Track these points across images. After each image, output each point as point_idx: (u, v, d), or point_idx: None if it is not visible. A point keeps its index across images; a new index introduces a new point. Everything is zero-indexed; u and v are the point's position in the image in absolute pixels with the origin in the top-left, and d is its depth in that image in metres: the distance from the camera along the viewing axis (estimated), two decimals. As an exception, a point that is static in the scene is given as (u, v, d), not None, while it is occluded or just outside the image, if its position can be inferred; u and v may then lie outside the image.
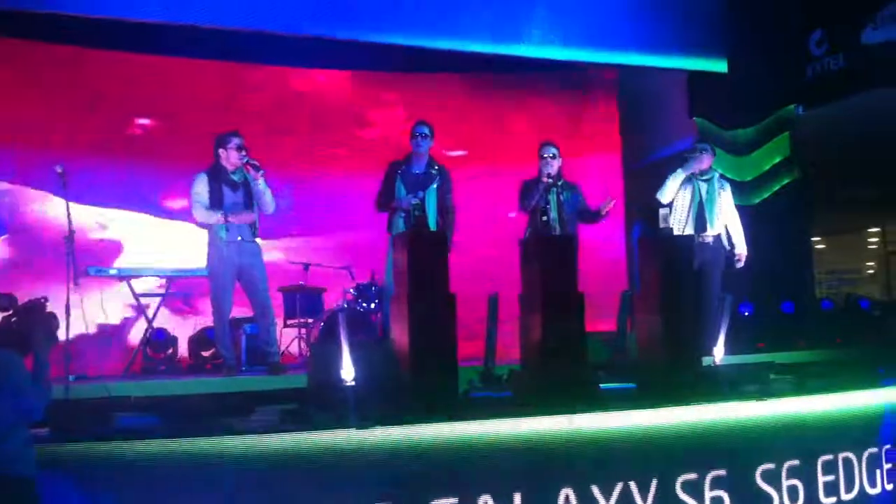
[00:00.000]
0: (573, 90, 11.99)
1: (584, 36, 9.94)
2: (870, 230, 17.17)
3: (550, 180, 7.86)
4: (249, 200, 7.43)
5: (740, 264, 8.48)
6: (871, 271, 17.79)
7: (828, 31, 10.55)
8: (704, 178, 8.40)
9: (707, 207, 8.32)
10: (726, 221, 8.47)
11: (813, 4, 10.85)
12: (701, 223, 8.31)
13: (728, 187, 8.60)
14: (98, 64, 9.70)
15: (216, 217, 7.27)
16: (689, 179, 8.38)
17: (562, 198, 7.90)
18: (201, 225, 7.46)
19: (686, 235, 7.96)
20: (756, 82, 10.82)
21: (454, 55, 9.65)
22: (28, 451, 3.73)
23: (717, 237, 8.39)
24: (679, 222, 8.25)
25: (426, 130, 7.69)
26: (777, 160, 11.00)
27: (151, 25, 8.26)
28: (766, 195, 10.93)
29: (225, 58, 10.13)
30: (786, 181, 10.93)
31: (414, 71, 11.08)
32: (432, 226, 7.45)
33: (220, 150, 7.41)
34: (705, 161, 8.41)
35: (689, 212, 8.30)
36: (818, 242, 15.21)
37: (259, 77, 10.64)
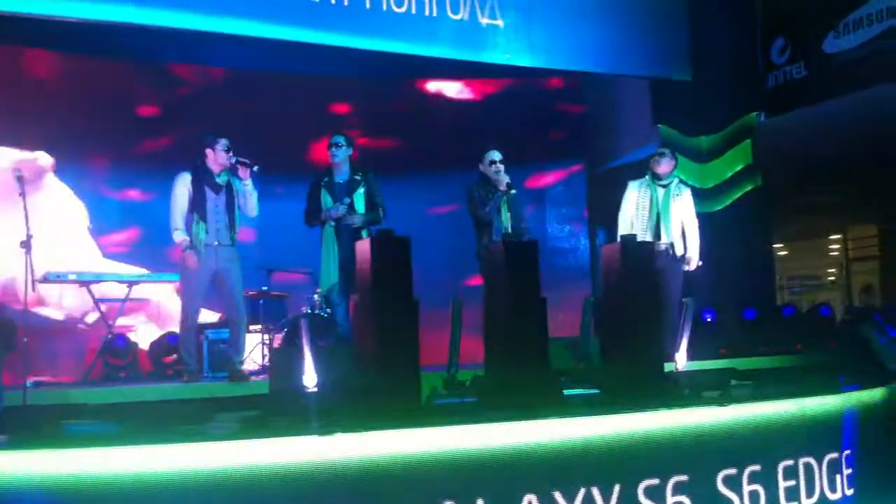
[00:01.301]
0: (537, 96, 12.00)
1: (548, 42, 9.95)
2: (831, 237, 17.34)
3: (505, 189, 7.88)
4: (231, 204, 7.39)
5: (689, 268, 8.49)
6: (832, 278, 17.96)
7: (790, 39, 10.66)
8: (662, 183, 8.41)
9: (662, 214, 8.32)
10: (683, 225, 8.44)
11: (775, 13, 10.95)
12: (657, 231, 8.33)
13: (686, 191, 8.58)
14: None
15: (181, 238, 7.22)
16: (647, 185, 8.39)
17: (514, 206, 7.95)
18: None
19: (648, 241, 7.98)
20: (718, 90, 10.91)
21: (418, 60, 9.64)
22: None
23: (671, 244, 8.39)
24: (640, 230, 8.24)
25: (341, 140, 7.82)
26: (739, 167, 11.08)
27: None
28: (727, 202, 11.01)
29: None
30: (748, 188, 11.01)
31: (373, 76, 11.07)
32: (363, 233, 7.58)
33: (208, 150, 7.36)
34: (663, 165, 8.41)
35: (647, 219, 8.31)
36: (780, 249, 15.34)
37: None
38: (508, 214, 7.87)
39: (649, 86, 11.26)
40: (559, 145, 12.05)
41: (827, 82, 10.31)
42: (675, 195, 8.43)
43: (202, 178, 7.32)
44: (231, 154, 7.32)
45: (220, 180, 7.38)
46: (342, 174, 7.82)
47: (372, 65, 10.38)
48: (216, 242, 7.30)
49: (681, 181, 8.64)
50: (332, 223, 7.64)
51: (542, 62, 10.10)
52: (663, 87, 11.08)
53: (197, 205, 7.26)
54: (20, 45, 9.45)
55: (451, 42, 9.41)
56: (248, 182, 7.36)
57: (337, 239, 7.59)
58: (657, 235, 8.31)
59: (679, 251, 8.41)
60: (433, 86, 11.62)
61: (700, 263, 8.48)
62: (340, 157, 7.80)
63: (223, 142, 7.34)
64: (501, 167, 7.96)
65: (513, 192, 7.90)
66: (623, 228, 8.31)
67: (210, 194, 7.31)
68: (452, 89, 11.76)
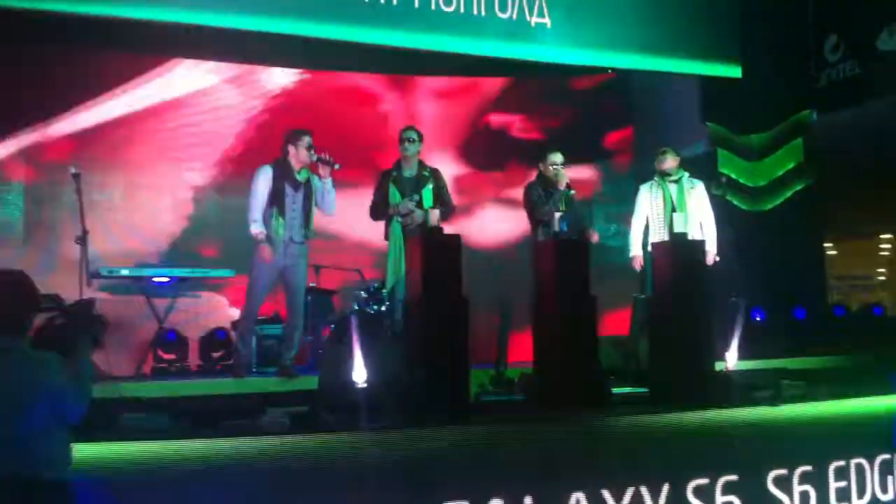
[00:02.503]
0: (587, 94, 11.97)
1: (596, 39, 9.92)
2: (882, 236, 17.13)
3: (566, 188, 7.84)
4: (308, 202, 7.41)
5: (707, 262, 8.29)
6: (882, 277, 17.73)
7: (843, 36, 10.53)
8: (673, 179, 8.25)
9: (679, 209, 8.14)
10: (700, 220, 8.30)
11: (828, 10, 10.83)
12: (673, 227, 8.17)
13: (699, 185, 8.38)
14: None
15: (258, 230, 7.23)
16: (658, 184, 8.26)
17: (572, 206, 7.88)
18: None
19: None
20: (770, 88, 10.81)
21: (466, 58, 9.66)
22: (64, 454, 3.71)
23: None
24: (657, 230, 8.13)
25: (414, 135, 7.73)
26: (790, 166, 10.98)
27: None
28: (778, 201, 10.91)
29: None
30: (799, 187, 10.91)
31: (422, 73, 11.10)
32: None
33: (290, 147, 7.37)
34: (668, 162, 8.27)
35: (664, 217, 8.17)
36: (829, 248, 15.17)
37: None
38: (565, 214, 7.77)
39: (698, 83, 11.17)
40: (607, 143, 12.00)
41: (880, 80, 10.18)
42: (689, 189, 8.28)
43: (283, 174, 7.35)
44: (313, 151, 7.35)
45: (300, 177, 7.39)
46: (411, 169, 7.75)
47: (421, 64, 10.42)
48: (289, 238, 7.35)
49: (691, 175, 8.44)
50: (399, 218, 7.59)
51: (590, 60, 10.06)
52: (712, 85, 10.99)
53: (276, 199, 7.29)
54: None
55: (500, 40, 9.41)
56: (328, 180, 7.39)
57: (404, 235, 7.51)
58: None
59: None
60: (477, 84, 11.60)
61: (717, 259, 8.27)
62: (412, 151, 7.70)
63: (306, 139, 7.34)
64: (560, 168, 7.92)
65: (571, 192, 7.86)
66: (635, 231, 8.24)
67: (289, 190, 7.34)
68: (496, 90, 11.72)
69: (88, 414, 3.76)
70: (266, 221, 7.27)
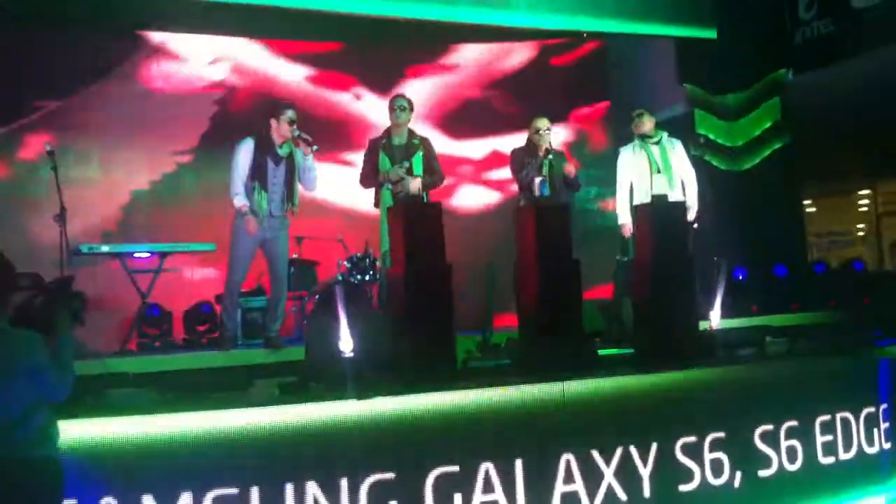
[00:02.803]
0: (562, 59, 11.95)
1: (571, 4, 9.89)
2: (860, 192, 17.19)
3: (545, 154, 7.84)
4: (290, 176, 7.38)
5: (689, 217, 8.33)
6: (861, 233, 17.82)
7: (817, -7, 10.53)
8: (654, 141, 8.25)
9: (664, 170, 8.18)
10: (682, 179, 8.31)
11: (802, -33, 10.81)
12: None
13: (677, 144, 8.40)
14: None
15: (241, 202, 7.20)
16: (640, 146, 8.26)
17: (554, 170, 7.87)
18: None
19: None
20: (745, 47, 10.80)
21: (439, 25, 9.62)
22: (50, 431, 3.71)
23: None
24: (642, 191, 8.14)
25: (405, 103, 7.71)
26: (767, 125, 11.00)
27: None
28: (756, 160, 10.94)
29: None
30: (777, 146, 10.93)
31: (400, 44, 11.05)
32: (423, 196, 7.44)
33: (272, 120, 7.32)
34: (646, 125, 8.27)
35: (649, 179, 8.18)
36: (808, 205, 15.23)
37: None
38: (547, 179, 7.77)
39: (675, 45, 11.16)
40: (584, 107, 11.99)
41: (855, 37, 10.18)
42: (670, 149, 8.29)
43: (264, 148, 7.30)
44: (295, 127, 7.29)
45: (282, 151, 7.35)
46: (401, 137, 7.73)
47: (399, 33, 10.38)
48: (270, 212, 7.32)
49: (669, 135, 8.44)
50: (390, 186, 7.54)
51: (566, 24, 10.04)
52: (689, 47, 10.98)
53: (257, 173, 7.26)
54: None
55: (476, 5, 9.37)
56: (309, 158, 7.36)
57: (394, 202, 7.46)
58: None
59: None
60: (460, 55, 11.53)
61: (702, 213, 8.30)
62: (403, 119, 7.67)
63: (288, 113, 7.28)
64: (544, 133, 7.91)
65: (550, 156, 7.85)
66: (621, 198, 8.25)
67: (270, 164, 7.31)
68: (477, 54, 11.66)
69: (74, 390, 3.75)
70: (248, 195, 7.23)
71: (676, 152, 8.27)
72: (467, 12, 9.38)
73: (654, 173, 8.04)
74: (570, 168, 7.89)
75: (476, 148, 11.42)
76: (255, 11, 8.92)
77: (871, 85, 10.88)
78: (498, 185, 11.27)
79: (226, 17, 9.49)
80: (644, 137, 8.21)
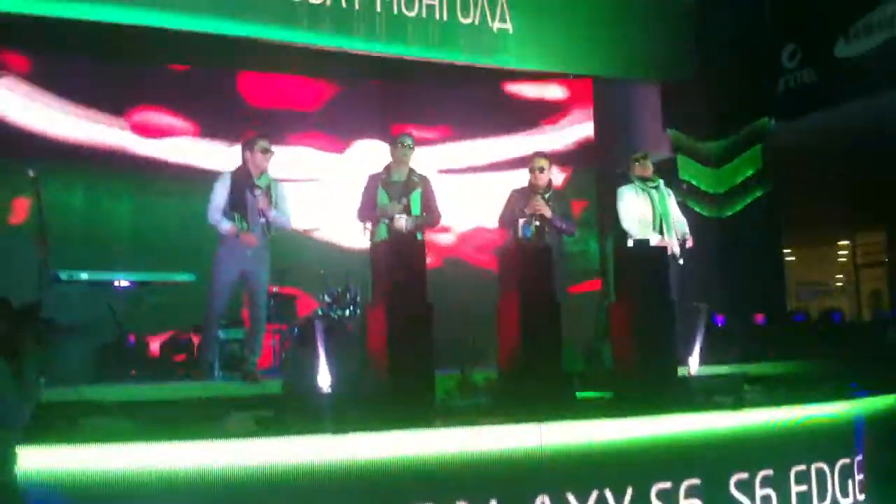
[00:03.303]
0: (549, 100, 12.05)
1: (556, 46, 9.98)
2: (840, 243, 17.35)
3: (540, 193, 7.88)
4: (269, 207, 7.39)
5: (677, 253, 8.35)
6: (840, 284, 17.96)
7: (800, 44, 10.64)
8: (652, 185, 8.31)
9: (664, 216, 8.22)
10: (675, 223, 8.36)
11: (786, 18, 10.93)
12: (660, 232, 8.22)
13: (671, 193, 8.51)
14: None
15: (229, 226, 7.24)
16: (642, 189, 8.30)
17: (553, 210, 7.88)
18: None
19: (660, 246, 7.94)
20: (729, 95, 10.90)
21: (429, 65, 9.69)
22: (7, 456, 3.66)
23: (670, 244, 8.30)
24: (646, 234, 8.17)
25: (410, 141, 7.74)
26: (749, 173, 11.08)
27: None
28: (738, 207, 11.01)
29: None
30: (758, 194, 11.01)
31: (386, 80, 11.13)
32: (418, 235, 7.45)
33: (246, 153, 7.38)
34: (649, 168, 8.33)
35: (652, 222, 8.21)
36: (788, 255, 15.34)
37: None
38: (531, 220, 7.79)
39: (660, 90, 11.27)
40: (569, 148, 12.07)
41: (837, 87, 10.29)
42: (667, 196, 8.36)
43: (242, 180, 7.34)
44: (269, 156, 7.36)
45: (261, 183, 7.38)
46: (400, 174, 7.75)
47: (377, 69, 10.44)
48: (249, 252, 7.31)
49: (666, 183, 8.52)
50: (387, 221, 7.55)
51: (551, 66, 10.14)
52: (673, 92, 11.09)
53: (238, 204, 7.28)
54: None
55: (463, 46, 9.44)
56: (282, 193, 7.48)
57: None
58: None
59: (676, 251, 8.29)
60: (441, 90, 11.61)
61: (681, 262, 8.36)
62: (409, 156, 7.72)
63: (261, 143, 7.34)
64: (538, 172, 7.94)
65: (548, 194, 7.88)
66: (636, 232, 8.26)
67: (248, 197, 7.32)
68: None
69: (47, 417, 3.72)
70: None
71: (672, 200, 8.35)
72: (453, 53, 9.45)
73: (658, 219, 8.08)
74: (545, 209, 7.87)
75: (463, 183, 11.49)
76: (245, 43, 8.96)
77: (854, 135, 11.00)
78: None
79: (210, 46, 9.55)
80: (645, 181, 8.25)
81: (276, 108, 10.88)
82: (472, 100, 11.63)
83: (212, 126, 10.48)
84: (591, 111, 12.30)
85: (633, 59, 10.44)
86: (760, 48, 11.11)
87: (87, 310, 8.80)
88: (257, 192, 7.29)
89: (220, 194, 7.31)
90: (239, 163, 7.43)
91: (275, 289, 9.04)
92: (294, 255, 9.39)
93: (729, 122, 11.16)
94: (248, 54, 9.86)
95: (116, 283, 8.59)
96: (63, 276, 8.21)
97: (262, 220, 7.33)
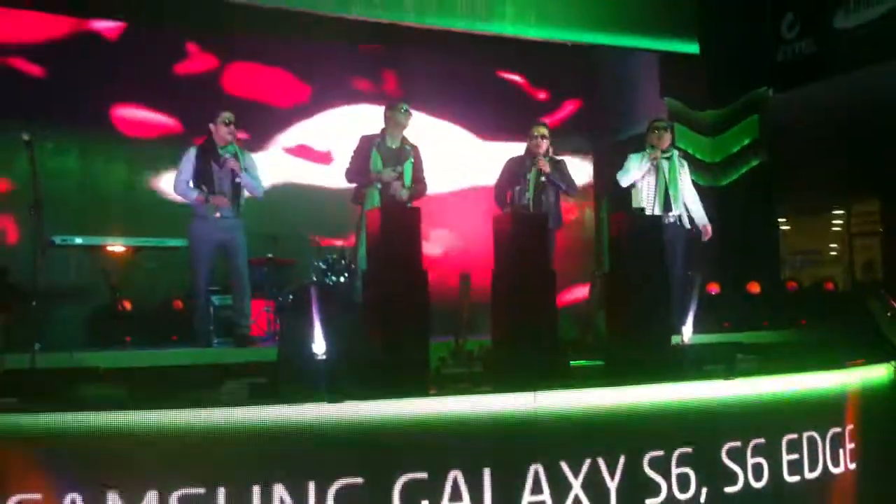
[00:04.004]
0: (547, 68, 11.98)
1: (556, 14, 9.92)
2: (834, 212, 17.33)
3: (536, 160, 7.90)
4: (235, 177, 7.56)
5: (707, 238, 8.50)
6: (834, 253, 17.96)
7: (800, 14, 10.60)
8: (665, 156, 8.36)
9: (671, 187, 8.29)
10: (686, 199, 8.45)
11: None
12: (667, 203, 8.30)
13: (686, 165, 8.57)
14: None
15: (195, 194, 7.45)
16: (652, 159, 8.33)
17: (542, 178, 7.91)
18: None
19: (655, 215, 7.98)
20: (727, 64, 10.88)
21: (425, 32, 9.63)
22: None
23: (679, 215, 8.38)
24: (648, 203, 8.24)
25: (408, 107, 7.73)
26: (746, 142, 11.07)
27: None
28: (734, 177, 11.00)
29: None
30: (754, 163, 11.00)
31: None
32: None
33: (211, 125, 7.57)
34: (666, 140, 8.38)
35: (655, 192, 8.28)
36: (783, 223, 15.34)
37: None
38: (535, 189, 7.81)
39: (658, 59, 11.23)
40: (566, 117, 12.03)
41: (836, 59, 10.26)
42: (680, 167, 8.41)
43: (207, 153, 7.53)
44: (232, 128, 7.52)
45: (226, 153, 7.54)
46: (395, 140, 7.74)
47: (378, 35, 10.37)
48: (218, 214, 7.49)
49: (682, 154, 8.59)
50: (379, 186, 7.56)
51: (551, 34, 10.07)
52: (672, 61, 11.06)
53: (203, 178, 7.49)
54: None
55: (461, 12, 9.37)
56: (250, 161, 7.70)
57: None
58: (666, 207, 8.28)
59: (686, 222, 8.40)
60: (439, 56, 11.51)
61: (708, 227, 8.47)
62: (406, 122, 7.73)
63: (224, 115, 7.55)
64: (539, 139, 7.98)
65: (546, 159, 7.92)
66: (638, 199, 8.33)
67: (215, 167, 7.52)
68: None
69: (40, 383, 3.73)
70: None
71: (685, 171, 8.40)
72: (455, 21, 9.38)
73: (663, 189, 8.13)
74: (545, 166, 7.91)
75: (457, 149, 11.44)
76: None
77: (849, 105, 10.98)
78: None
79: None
80: (659, 150, 8.28)
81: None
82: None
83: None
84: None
85: (634, 29, 10.37)
86: (760, 18, 11.05)
87: (81, 275, 8.82)
88: (226, 155, 7.38)
89: (186, 167, 7.53)
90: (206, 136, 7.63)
91: (270, 255, 9.05)
92: (287, 221, 9.38)
93: (727, 92, 11.13)
94: (243, 19, 9.77)
95: (110, 248, 8.59)
96: (57, 240, 8.21)
97: (232, 185, 7.49)
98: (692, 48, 10.64)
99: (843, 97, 10.74)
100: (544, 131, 8.02)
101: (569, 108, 12.17)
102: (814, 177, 13.70)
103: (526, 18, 9.74)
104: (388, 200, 7.30)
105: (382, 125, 7.79)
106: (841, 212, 17.15)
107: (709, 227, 8.45)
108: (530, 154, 8.00)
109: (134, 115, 10.08)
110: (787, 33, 10.72)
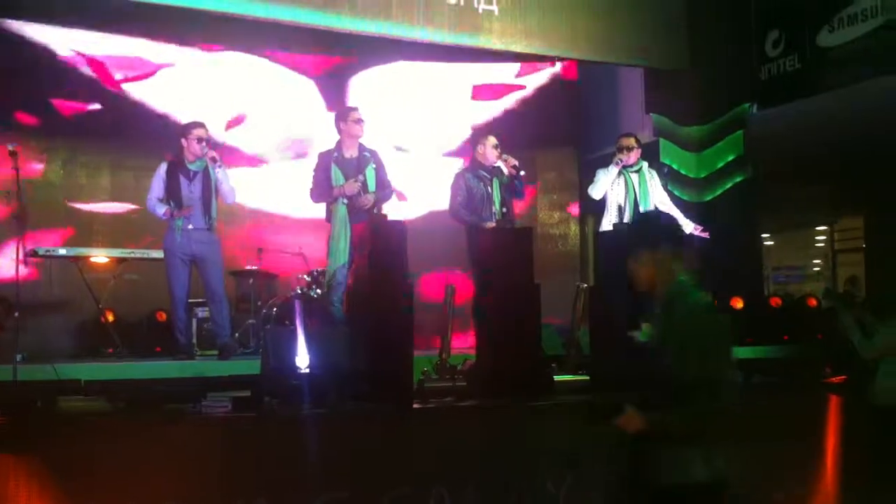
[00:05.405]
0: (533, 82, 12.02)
1: (543, 29, 9.93)
2: (818, 228, 17.41)
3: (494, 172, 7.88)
4: (206, 192, 7.58)
5: (705, 234, 8.47)
6: (817, 269, 18.04)
7: (784, 32, 10.65)
8: (634, 169, 8.39)
9: (641, 198, 8.29)
10: (660, 207, 8.42)
11: (770, 5, 10.94)
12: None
13: (655, 174, 8.59)
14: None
15: (163, 210, 7.50)
16: (619, 173, 8.37)
17: (501, 188, 7.86)
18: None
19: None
20: (712, 80, 10.90)
21: (413, 44, 9.64)
22: None
23: None
24: (614, 218, 8.23)
25: (361, 116, 7.70)
26: (730, 158, 11.09)
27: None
28: (718, 192, 11.03)
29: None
30: (738, 179, 11.03)
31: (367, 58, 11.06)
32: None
33: (182, 140, 7.59)
34: (633, 156, 8.40)
35: (625, 205, 8.30)
36: (766, 239, 15.40)
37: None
38: (501, 199, 7.79)
39: (643, 74, 11.27)
40: (551, 131, 12.04)
41: (820, 76, 10.30)
42: (649, 178, 8.44)
43: (177, 167, 7.56)
44: (205, 144, 7.54)
45: (195, 167, 7.58)
46: (352, 150, 7.68)
47: (364, 47, 10.37)
48: (191, 227, 7.49)
49: (649, 165, 8.59)
50: (345, 201, 7.54)
51: (537, 48, 10.09)
52: (656, 76, 11.09)
53: (172, 192, 7.51)
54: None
55: (447, 26, 9.37)
56: (221, 171, 7.62)
57: (350, 218, 7.43)
58: None
59: None
60: (425, 68, 11.51)
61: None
62: (360, 130, 7.66)
63: (195, 132, 7.57)
64: (492, 151, 7.90)
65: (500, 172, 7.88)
66: (608, 218, 8.32)
67: (184, 182, 7.53)
68: (443, 72, 11.66)
69: (22, 396, 3.71)
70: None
71: (655, 182, 8.42)
72: (437, 33, 9.37)
73: (633, 201, 8.15)
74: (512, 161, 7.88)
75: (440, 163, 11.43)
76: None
77: (833, 123, 11.02)
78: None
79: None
80: (627, 165, 8.31)
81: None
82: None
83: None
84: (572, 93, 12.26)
85: (621, 44, 10.40)
86: (744, 35, 11.11)
87: (64, 286, 8.78)
88: (196, 170, 7.49)
89: (157, 184, 7.58)
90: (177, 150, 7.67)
91: (254, 267, 9.03)
92: (272, 234, 9.38)
93: (712, 108, 11.16)
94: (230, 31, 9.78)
95: (94, 259, 8.56)
96: (40, 251, 8.17)
97: (202, 199, 7.53)
98: (681, 65, 10.69)
99: (827, 114, 10.78)
100: (495, 141, 7.95)
101: (555, 120, 12.17)
102: (798, 193, 13.77)
103: (513, 34, 9.74)
104: (355, 211, 7.35)
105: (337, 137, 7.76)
106: (824, 228, 17.23)
107: (698, 228, 8.38)
108: (485, 164, 7.88)
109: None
110: (772, 50, 10.77)
